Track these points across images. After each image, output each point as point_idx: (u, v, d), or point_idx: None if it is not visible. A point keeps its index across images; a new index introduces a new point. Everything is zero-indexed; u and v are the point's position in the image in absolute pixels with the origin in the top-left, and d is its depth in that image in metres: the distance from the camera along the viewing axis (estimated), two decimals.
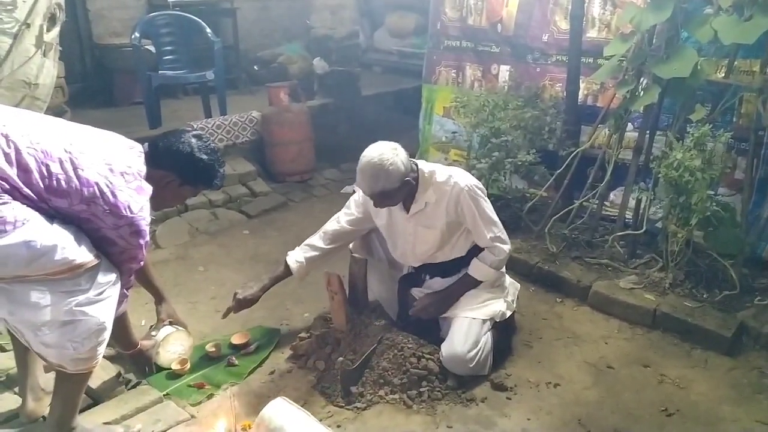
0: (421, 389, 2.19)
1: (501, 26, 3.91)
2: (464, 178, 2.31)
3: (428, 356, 2.27)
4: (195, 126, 4.34)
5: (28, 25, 3.34)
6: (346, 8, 5.18)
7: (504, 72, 3.96)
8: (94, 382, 2.14)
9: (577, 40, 3.35)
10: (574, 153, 3.21)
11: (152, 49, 4.91)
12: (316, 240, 2.58)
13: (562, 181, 3.27)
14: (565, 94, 3.52)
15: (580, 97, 3.51)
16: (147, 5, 5.90)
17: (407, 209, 2.37)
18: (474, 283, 2.41)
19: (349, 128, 5.21)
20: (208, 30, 4.78)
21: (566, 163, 3.23)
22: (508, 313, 2.48)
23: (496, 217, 2.36)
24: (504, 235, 2.37)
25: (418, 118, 4.49)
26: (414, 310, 2.46)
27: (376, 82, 6.17)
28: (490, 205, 2.36)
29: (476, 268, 2.39)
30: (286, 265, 2.56)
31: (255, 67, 6.29)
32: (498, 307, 2.41)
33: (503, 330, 2.53)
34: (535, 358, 2.51)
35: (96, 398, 2.11)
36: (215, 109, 4.77)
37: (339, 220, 2.59)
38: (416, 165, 2.33)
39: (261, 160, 4.59)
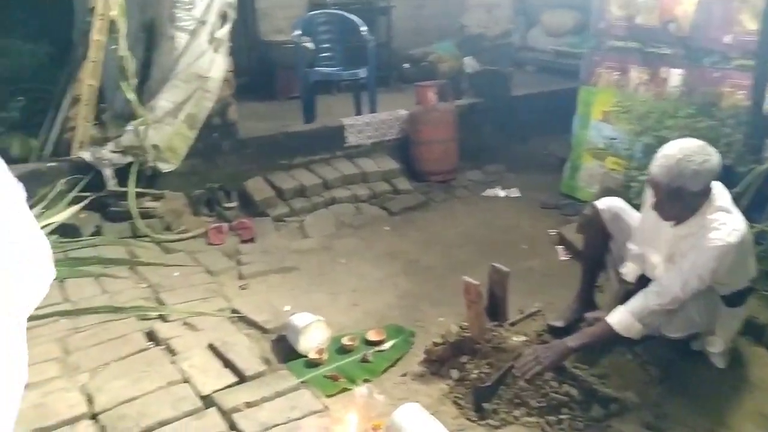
0: (561, 416, 2.04)
1: (674, 26, 3.56)
2: (727, 234, 2.02)
3: (570, 382, 2.11)
4: (345, 122, 4.48)
5: (203, 23, 3.65)
6: (501, 6, 5.04)
7: (675, 76, 3.59)
8: (241, 363, 2.26)
9: (767, 42, 2.95)
10: (757, 170, 2.83)
11: (311, 46, 5.13)
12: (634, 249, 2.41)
13: (739, 202, 2.89)
14: (749, 102, 3.12)
15: (766, 106, 3.09)
16: (309, 4, 6.20)
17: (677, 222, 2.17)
18: (610, 334, 2.13)
19: (496, 129, 5.07)
20: (363, 28, 4.89)
21: (746, 181, 2.85)
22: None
23: (697, 283, 2.05)
24: (677, 296, 2.07)
25: (571, 122, 4.25)
26: (520, 365, 2.15)
27: (527, 82, 5.95)
28: (716, 266, 2.05)
29: (618, 316, 2.12)
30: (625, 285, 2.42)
31: (405, 65, 6.35)
32: None
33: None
34: (697, 399, 2.23)
35: (241, 377, 2.22)
36: (366, 106, 4.88)
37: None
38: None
39: (405, 158, 4.62)
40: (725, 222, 2.04)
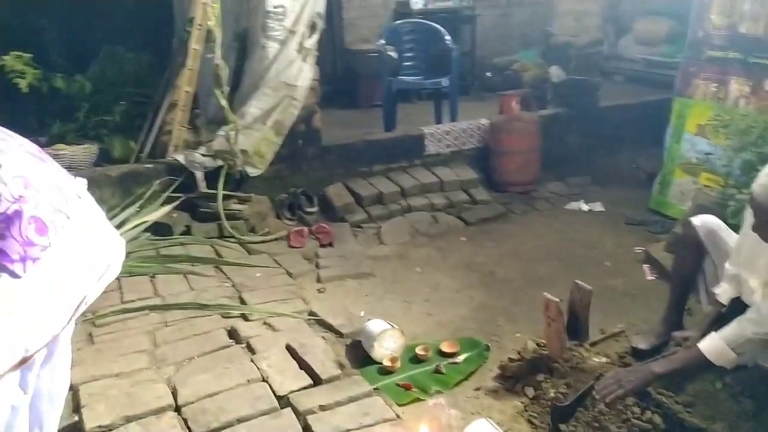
0: None
1: None
2: None
3: (654, 409, 2.01)
4: (425, 131, 4.49)
5: (293, 33, 3.76)
6: (591, 15, 4.88)
7: None
8: (317, 366, 2.31)
9: None
10: None
11: (394, 55, 5.19)
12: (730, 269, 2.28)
13: None
14: None
15: None
16: (394, 13, 6.27)
17: None
18: (700, 361, 2.00)
19: (581, 141, 4.92)
20: (447, 37, 4.89)
21: None
22: None
23: None
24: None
25: (661, 135, 4.05)
26: (601, 388, 2.04)
27: (616, 92, 5.73)
28: None
29: (711, 342, 1.99)
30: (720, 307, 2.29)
31: (488, 73, 6.29)
32: None
33: None
34: None
35: (316, 379, 2.27)
36: (446, 115, 4.87)
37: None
38: None
39: (485, 168, 4.57)
40: None
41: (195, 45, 3.70)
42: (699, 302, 2.52)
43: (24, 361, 0.73)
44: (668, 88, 4.09)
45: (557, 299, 2.27)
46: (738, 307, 2.08)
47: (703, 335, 2.12)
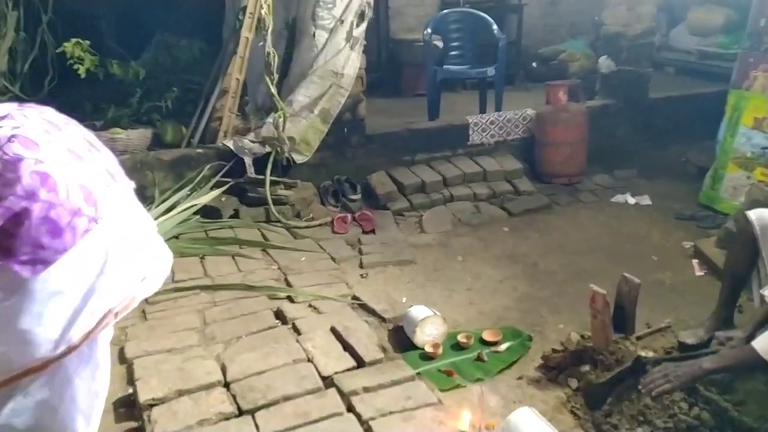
0: None
1: None
2: None
3: (703, 406, 1.98)
4: (469, 120, 4.47)
5: (342, 21, 3.79)
6: (645, 3, 4.75)
7: None
8: (360, 348, 2.35)
9: None
10: None
11: (440, 44, 5.17)
12: None
13: None
14: None
15: None
16: (440, 2, 6.24)
17: None
18: (753, 360, 1.93)
19: (629, 133, 4.82)
20: (495, 26, 4.84)
21: None
22: None
23: None
24: None
25: (712, 128, 3.94)
26: (647, 381, 2.01)
27: (667, 84, 5.57)
28: None
29: (765, 341, 1.92)
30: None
31: (534, 64, 6.20)
32: None
33: None
34: None
35: (360, 362, 2.31)
36: (491, 104, 4.83)
37: None
38: None
39: (529, 158, 4.53)
40: None
41: (246, 33, 3.77)
42: (751, 300, 2.46)
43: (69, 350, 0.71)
44: (722, 81, 3.97)
45: (604, 291, 2.25)
46: None
47: (749, 336, 2.08)
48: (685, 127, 4.71)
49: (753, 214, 2.33)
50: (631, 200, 4.10)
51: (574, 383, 2.22)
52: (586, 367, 2.23)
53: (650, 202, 4.08)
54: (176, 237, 3.20)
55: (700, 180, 4.03)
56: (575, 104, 4.45)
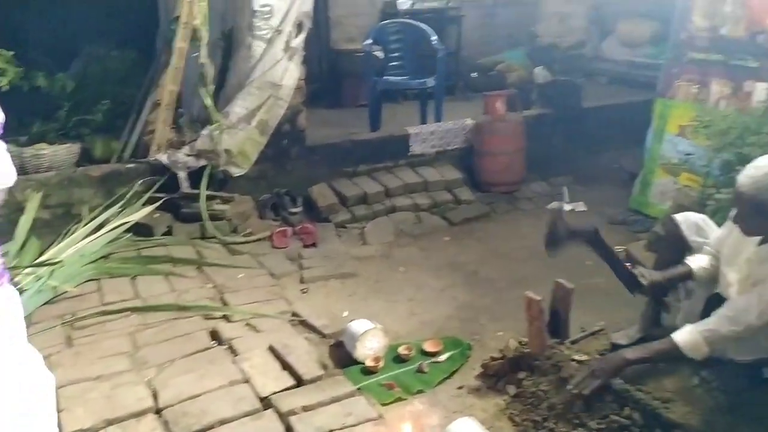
0: None
1: (763, 37, 3.38)
2: None
3: (633, 405, 2.03)
4: (410, 131, 4.50)
5: (280, 32, 3.76)
6: (576, 16, 4.94)
7: (761, 90, 3.40)
8: (300, 366, 2.31)
9: None
10: None
11: (380, 55, 5.19)
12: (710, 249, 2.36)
13: None
14: None
15: None
16: (380, 13, 6.27)
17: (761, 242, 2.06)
18: (673, 351, 2.02)
19: (565, 141, 4.95)
20: (434, 37, 4.89)
21: None
22: None
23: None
24: (752, 324, 1.95)
25: (642, 135, 4.09)
26: (576, 382, 2.07)
27: (600, 93, 5.77)
28: None
29: (685, 335, 2.02)
30: (689, 270, 2.35)
31: (473, 74, 6.31)
32: None
33: None
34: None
35: (299, 380, 2.27)
36: (432, 115, 4.88)
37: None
38: None
39: (469, 168, 4.59)
40: None
41: (180, 43, 3.68)
42: (678, 300, 2.55)
43: None
44: (651, 89, 4.13)
45: (539, 298, 2.29)
46: (716, 303, 2.11)
47: (660, 282, 2.27)
48: (617, 135, 4.88)
49: (679, 216, 2.45)
50: (567, 207, 4.20)
51: (512, 390, 2.24)
52: (524, 374, 2.26)
53: (585, 208, 4.20)
54: (105, 257, 3.07)
55: (632, 185, 4.18)
56: (512, 114, 4.54)
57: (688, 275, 2.32)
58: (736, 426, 2.09)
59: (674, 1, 3.90)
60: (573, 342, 2.45)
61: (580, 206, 4.23)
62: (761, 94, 3.40)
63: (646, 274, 2.36)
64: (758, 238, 2.04)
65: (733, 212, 2.13)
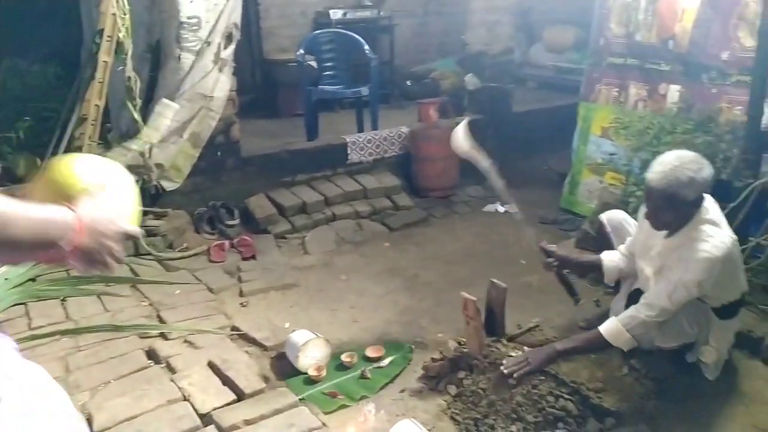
0: (558, 430, 2.05)
1: (673, 43, 3.59)
2: (714, 247, 2.04)
3: (567, 396, 2.12)
4: (347, 139, 4.53)
5: (209, 43, 3.70)
6: (502, 24, 5.09)
7: (673, 92, 3.62)
8: (240, 381, 2.28)
9: (764, 59, 2.97)
10: (753, 185, 2.84)
11: (314, 64, 5.20)
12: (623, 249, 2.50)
13: (736, 216, 2.91)
14: (745, 118, 3.14)
15: (763, 122, 3.10)
16: (313, 23, 6.29)
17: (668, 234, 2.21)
18: (600, 342, 2.16)
19: (497, 145, 5.08)
20: (366, 47, 4.95)
21: (742, 195, 2.86)
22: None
23: (684, 294, 2.07)
24: (665, 308, 2.09)
25: (570, 137, 4.28)
26: (510, 364, 2.17)
27: (529, 98, 5.99)
28: (702, 278, 2.07)
29: (610, 326, 2.15)
30: (599, 261, 2.50)
31: (408, 82, 6.41)
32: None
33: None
34: (692, 413, 2.24)
35: (240, 395, 2.24)
36: (368, 123, 4.93)
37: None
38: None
39: (407, 174, 4.66)
40: (713, 235, 2.07)
41: (105, 57, 3.57)
42: (609, 292, 2.70)
43: None
44: (576, 93, 4.31)
45: (474, 298, 2.35)
46: (637, 297, 2.24)
47: (563, 259, 2.46)
48: (546, 138, 5.07)
49: (604, 216, 2.59)
50: (501, 209, 4.34)
51: (453, 389, 2.29)
52: (464, 373, 2.32)
53: (518, 210, 4.33)
54: (33, 280, 2.93)
55: (561, 186, 4.35)
56: (446, 121, 4.64)
57: (597, 265, 2.46)
58: (663, 409, 2.22)
59: (593, 10, 4.10)
60: (510, 339, 2.54)
61: (513, 207, 4.35)
62: (674, 96, 3.62)
63: (552, 248, 2.48)
64: (666, 232, 2.19)
65: (643, 210, 2.27)
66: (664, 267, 2.17)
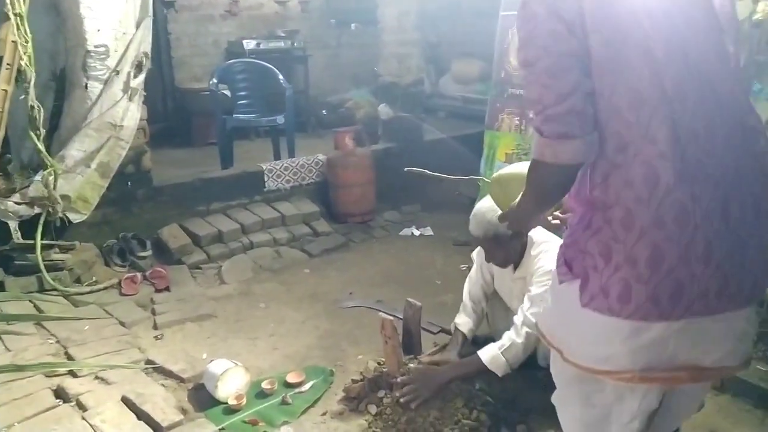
0: None
1: None
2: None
3: (481, 408, 2.23)
4: (264, 167, 4.54)
5: (118, 72, 3.64)
6: (412, 57, 5.32)
7: None
8: (156, 414, 2.23)
9: None
10: None
11: (228, 93, 5.20)
12: (470, 306, 2.64)
13: None
14: None
15: None
16: (225, 53, 6.29)
17: (514, 269, 2.39)
18: (480, 367, 2.27)
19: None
20: (281, 77, 5.02)
21: None
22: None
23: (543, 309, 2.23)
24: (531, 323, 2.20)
25: (478, 163, 4.51)
26: (404, 393, 2.25)
27: (439, 127, 6.23)
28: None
29: (488, 352, 2.28)
30: (462, 334, 2.60)
31: (323, 111, 6.52)
32: None
33: None
34: None
35: (156, 429, 2.19)
36: (285, 151, 4.96)
37: (474, 280, 2.68)
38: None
39: (325, 200, 4.72)
40: (549, 248, 2.26)
41: (4, 86, 3.41)
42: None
43: None
44: (482, 122, 4.55)
45: (390, 317, 2.43)
46: None
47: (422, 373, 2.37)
48: (456, 165, 5.25)
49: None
50: (417, 232, 4.50)
51: (373, 409, 2.34)
52: (383, 392, 2.38)
53: (432, 233, 4.52)
54: None
55: (471, 210, 4.55)
56: (361, 149, 4.77)
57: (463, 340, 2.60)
58: None
59: (494, 45, 4.39)
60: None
61: (428, 231, 4.53)
62: None
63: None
64: (511, 267, 2.40)
65: (481, 256, 2.48)
66: (521, 297, 2.34)
